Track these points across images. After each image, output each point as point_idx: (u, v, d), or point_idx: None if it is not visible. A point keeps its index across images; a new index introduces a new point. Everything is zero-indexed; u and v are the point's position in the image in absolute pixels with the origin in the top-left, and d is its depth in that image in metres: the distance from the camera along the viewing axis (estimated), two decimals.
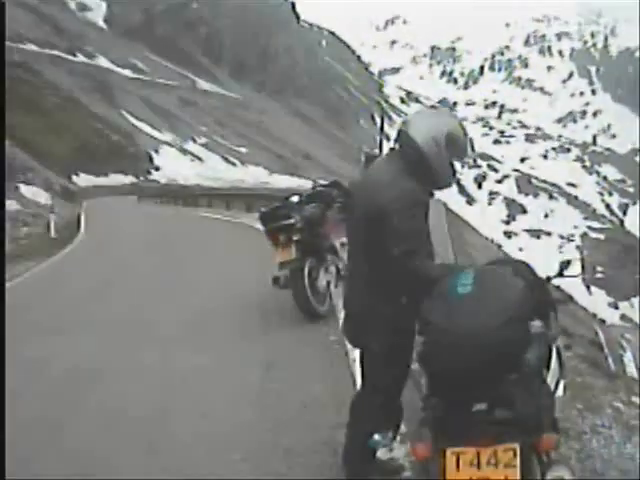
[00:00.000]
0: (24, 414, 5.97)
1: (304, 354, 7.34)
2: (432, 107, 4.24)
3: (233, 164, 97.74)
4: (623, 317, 62.30)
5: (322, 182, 11.61)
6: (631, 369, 13.33)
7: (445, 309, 3.19)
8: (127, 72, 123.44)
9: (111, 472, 4.84)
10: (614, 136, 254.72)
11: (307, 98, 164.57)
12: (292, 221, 8.56)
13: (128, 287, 12.95)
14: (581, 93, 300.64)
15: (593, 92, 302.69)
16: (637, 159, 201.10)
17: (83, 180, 66.05)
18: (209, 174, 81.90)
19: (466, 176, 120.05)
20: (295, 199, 9.17)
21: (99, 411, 6.13)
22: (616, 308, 69.79)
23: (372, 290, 3.84)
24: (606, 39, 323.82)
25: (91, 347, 8.27)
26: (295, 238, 8.51)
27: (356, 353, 5.59)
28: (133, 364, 7.47)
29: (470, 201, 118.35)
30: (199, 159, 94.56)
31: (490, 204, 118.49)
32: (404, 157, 3.76)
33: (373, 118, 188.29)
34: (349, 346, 6.49)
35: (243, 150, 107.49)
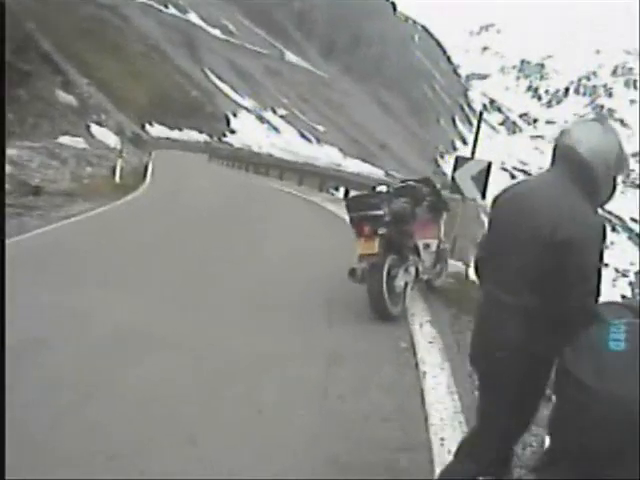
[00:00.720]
0: (54, 374, 5.39)
1: (371, 357, 6.64)
2: (594, 119, 3.68)
3: (309, 140, 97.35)
4: None
5: (411, 177, 11.14)
6: None
7: (595, 366, 2.83)
8: (217, 32, 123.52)
9: (142, 458, 4.23)
10: None
11: (393, 89, 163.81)
12: (381, 212, 8.12)
13: (187, 246, 11.98)
14: None
15: None
16: None
17: (156, 130, 65.89)
18: (283, 146, 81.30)
19: None
20: (383, 189, 8.76)
21: (136, 386, 5.35)
22: None
23: (529, 322, 3.38)
24: None
25: (134, 310, 7.38)
26: (380, 232, 8.07)
27: (427, 367, 6.11)
28: (182, 335, 6.67)
29: None
30: (276, 130, 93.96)
31: None
32: (572, 178, 3.44)
33: (453, 120, 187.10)
34: (420, 356, 6.50)
35: (321, 128, 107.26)
